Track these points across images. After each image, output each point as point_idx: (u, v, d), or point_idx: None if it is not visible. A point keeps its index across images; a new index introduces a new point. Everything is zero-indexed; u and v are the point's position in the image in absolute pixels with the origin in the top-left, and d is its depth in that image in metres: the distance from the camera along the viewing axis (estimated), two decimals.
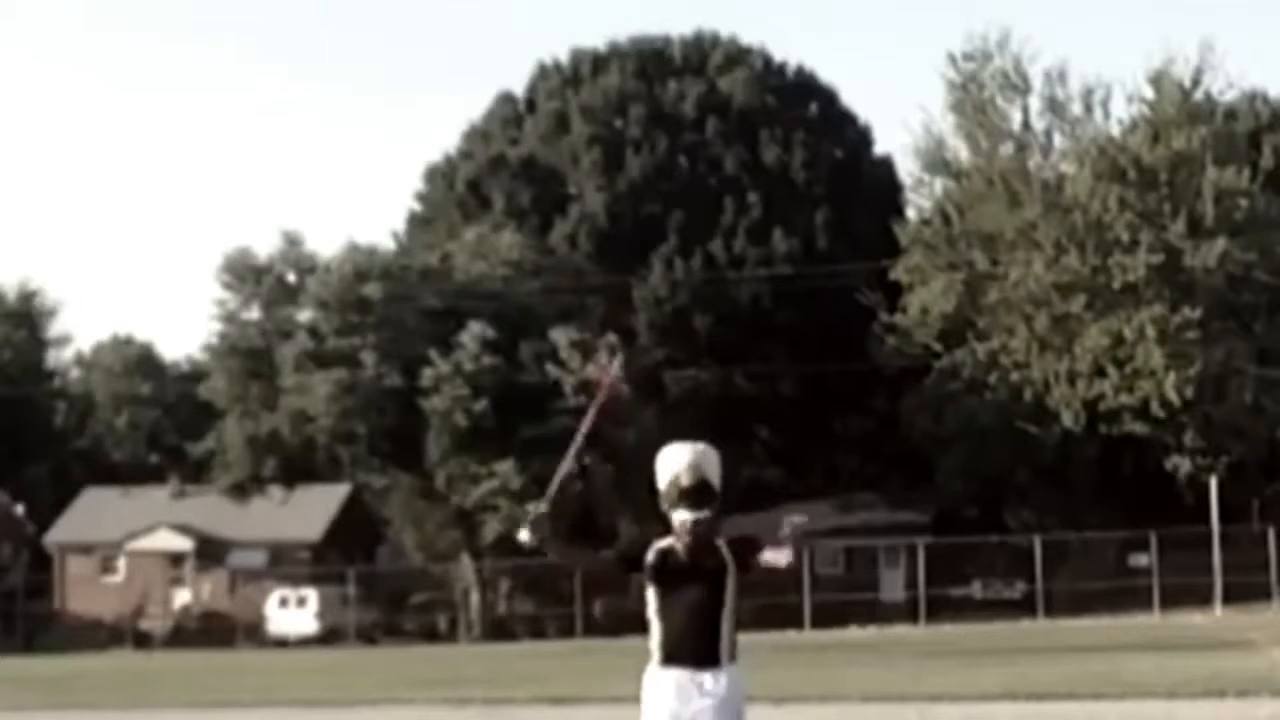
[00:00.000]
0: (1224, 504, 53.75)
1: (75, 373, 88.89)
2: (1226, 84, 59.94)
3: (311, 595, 62.40)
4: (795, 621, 51.86)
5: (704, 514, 7.33)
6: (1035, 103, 59.18)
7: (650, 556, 7.33)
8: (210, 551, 69.44)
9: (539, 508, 7.38)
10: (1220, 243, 54.64)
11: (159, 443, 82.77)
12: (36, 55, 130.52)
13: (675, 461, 7.42)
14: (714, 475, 7.43)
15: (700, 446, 7.49)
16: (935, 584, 55.82)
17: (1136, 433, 55.65)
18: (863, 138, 70.07)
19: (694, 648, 7.25)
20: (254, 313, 60.65)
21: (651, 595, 7.36)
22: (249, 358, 59.18)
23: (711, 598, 7.26)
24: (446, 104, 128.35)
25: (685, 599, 7.25)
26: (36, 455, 78.04)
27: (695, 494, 7.34)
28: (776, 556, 7.31)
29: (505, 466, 54.92)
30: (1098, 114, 59.19)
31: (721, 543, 7.35)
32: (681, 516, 7.32)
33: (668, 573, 7.30)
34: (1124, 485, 57.76)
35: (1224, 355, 55.40)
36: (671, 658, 7.29)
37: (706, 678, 7.23)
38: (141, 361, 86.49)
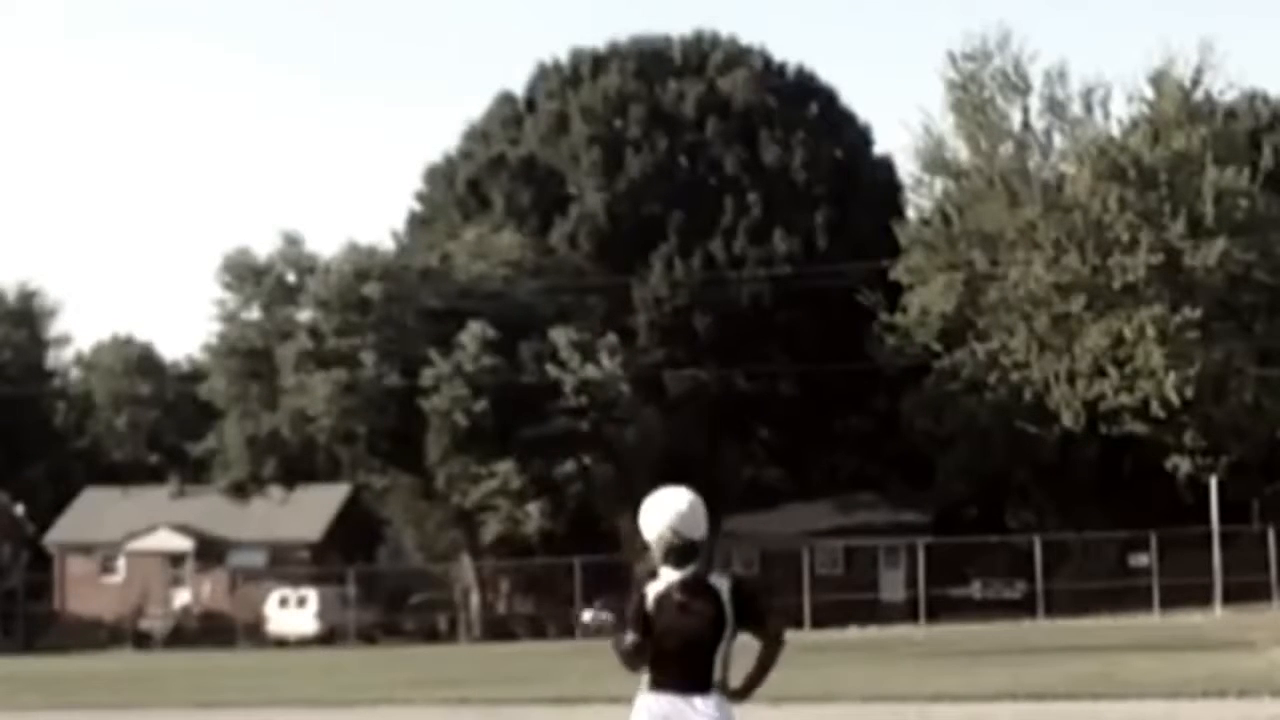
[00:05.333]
0: (1224, 504, 53.74)
1: (75, 373, 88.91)
2: (1226, 84, 60.07)
3: (311, 595, 62.40)
4: (795, 622, 51.82)
5: (690, 570, 7.30)
6: (1035, 103, 59.23)
7: (649, 604, 7.30)
8: (210, 551, 69.42)
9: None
10: (1220, 243, 54.64)
11: (159, 443, 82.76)
12: (37, 55, 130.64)
13: (659, 520, 7.35)
14: (698, 531, 7.37)
15: (684, 502, 7.39)
16: (935, 584, 55.77)
17: (1136, 433, 55.65)
18: (863, 138, 69.96)
19: (684, 676, 7.22)
20: (254, 313, 60.65)
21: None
22: (249, 358, 59.18)
23: (706, 636, 7.21)
24: (446, 104, 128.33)
25: (680, 631, 7.22)
26: (36, 455, 78.05)
27: (679, 554, 7.33)
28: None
29: (505, 466, 54.89)
30: (1098, 114, 59.28)
31: (724, 586, 7.28)
32: (670, 575, 7.31)
33: (665, 612, 7.26)
34: (1124, 485, 57.76)
35: (1224, 355, 55.40)
36: (660, 684, 7.27)
37: (697, 700, 7.21)
38: (141, 361, 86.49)
